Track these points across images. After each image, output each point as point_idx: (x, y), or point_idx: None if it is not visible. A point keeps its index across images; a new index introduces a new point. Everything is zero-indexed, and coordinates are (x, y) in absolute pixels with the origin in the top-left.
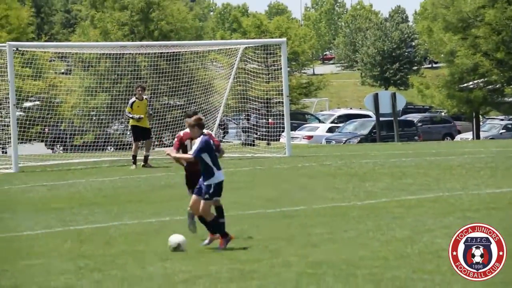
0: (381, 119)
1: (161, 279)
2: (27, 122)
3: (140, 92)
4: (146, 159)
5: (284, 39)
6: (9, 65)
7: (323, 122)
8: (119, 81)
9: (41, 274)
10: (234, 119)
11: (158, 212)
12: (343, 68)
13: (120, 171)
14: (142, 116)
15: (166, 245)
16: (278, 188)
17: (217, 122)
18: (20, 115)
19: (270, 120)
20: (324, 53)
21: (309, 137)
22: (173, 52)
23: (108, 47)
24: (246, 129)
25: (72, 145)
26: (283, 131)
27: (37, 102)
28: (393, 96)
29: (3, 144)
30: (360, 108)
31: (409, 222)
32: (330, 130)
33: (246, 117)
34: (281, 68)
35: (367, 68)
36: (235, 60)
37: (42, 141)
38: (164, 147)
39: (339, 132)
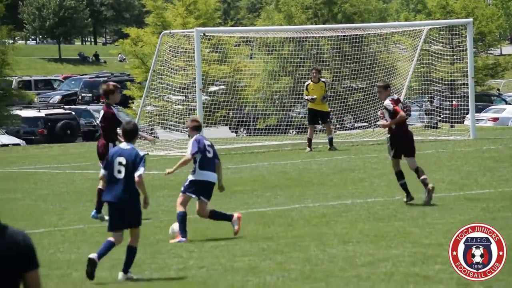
0: None
1: (343, 262)
2: (213, 106)
3: (315, 74)
4: (331, 142)
5: (471, 19)
6: (196, 50)
7: (510, 104)
8: (302, 64)
9: (225, 255)
10: (416, 101)
11: (340, 195)
12: None
13: (302, 154)
14: (315, 96)
15: (347, 228)
16: (461, 171)
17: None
18: (205, 99)
19: (454, 102)
20: None
21: (495, 119)
22: (356, 35)
23: (292, 30)
24: (429, 112)
25: (256, 128)
26: (467, 113)
27: (222, 86)
28: None
29: None
30: None
31: None
32: None
33: (429, 100)
34: (466, 49)
35: None
36: (419, 42)
37: (226, 124)
38: (345, 130)
39: None
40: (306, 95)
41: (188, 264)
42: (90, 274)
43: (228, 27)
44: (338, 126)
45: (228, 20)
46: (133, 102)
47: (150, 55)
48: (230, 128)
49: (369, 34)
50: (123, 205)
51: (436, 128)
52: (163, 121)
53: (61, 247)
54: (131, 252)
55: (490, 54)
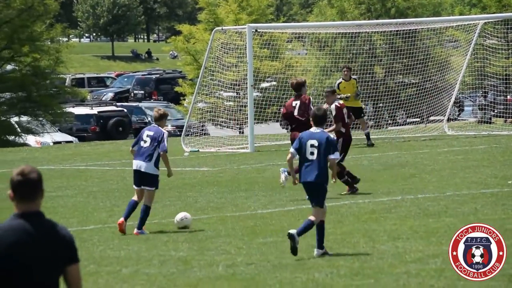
0: None
1: (392, 258)
2: (264, 103)
3: (346, 72)
4: (368, 136)
5: None
6: (248, 47)
7: None
8: (354, 60)
9: (274, 252)
10: (470, 96)
11: (390, 191)
12: None
13: (353, 150)
14: (349, 95)
15: (397, 224)
16: None
17: (453, 99)
18: (257, 95)
19: (508, 97)
20: None
21: None
22: (410, 30)
23: (344, 26)
24: (483, 107)
25: None
26: None
27: (274, 83)
28: None
29: (240, 124)
30: None
31: None
32: None
33: (483, 94)
34: None
35: None
36: (474, 36)
37: (277, 121)
38: (396, 125)
39: None
40: (339, 94)
41: (236, 261)
42: (294, 250)
43: (279, 23)
44: (390, 122)
45: (280, 16)
46: (184, 99)
47: (202, 52)
48: (281, 124)
49: (422, 28)
50: (316, 185)
51: (490, 123)
52: (214, 118)
53: (111, 244)
54: (320, 227)
55: None
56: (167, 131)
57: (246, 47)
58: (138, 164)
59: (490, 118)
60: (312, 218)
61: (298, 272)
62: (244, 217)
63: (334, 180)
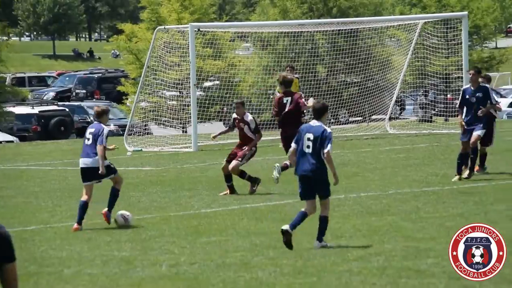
0: None
1: (335, 256)
2: (207, 102)
3: (289, 71)
4: None
5: (466, 12)
6: (191, 46)
7: (505, 97)
8: (297, 59)
9: (217, 251)
10: (411, 95)
11: (333, 189)
12: None
13: None
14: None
15: (340, 223)
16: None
17: (394, 98)
18: (200, 94)
19: (448, 96)
20: (508, 26)
21: None
22: (351, 29)
23: (287, 25)
24: (424, 105)
25: None
26: None
27: (217, 82)
28: None
29: (183, 124)
30: None
31: None
32: None
33: (424, 93)
34: (461, 43)
35: None
36: (414, 36)
37: (220, 120)
38: (339, 124)
39: None
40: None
41: (179, 260)
42: (288, 244)
43: (222, 23)
44: (332, 120)
45: (223, 15)
46: (127, 98)
47: (144, 51)
48: (224, 123)
49: (364, 28)
50: (309, 178)
51: (431, 122)
52: (157, 117)
53: (52, 244)
54: (323, 221)
55: (485, 47)
56: (110, 130)
57: (188, 46)
58: (84, 161)
59: (431, 117)
60: (303, 209)
61: (242, 271)
62: (187, 217)
63: (334, 179)
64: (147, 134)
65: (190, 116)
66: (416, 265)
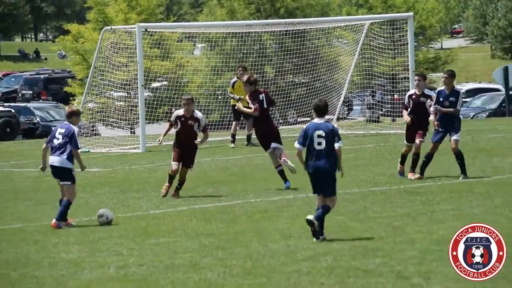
0: (511, 93)
1: (284, 257)
2: (155, 102)
3: (241, 72)
4: (248, 138)
5: (411, 13)
6: (138, 46)
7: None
8: (245, 60)
9: (166, 253)
10: (359, 95)
11: (282, 190)
12: (472, 41)
13: (244, 150)
14: (242, 97)
15: (289, 223)
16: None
17: (342, 99)
18: (148, 95)
19: (395, 96)
20: (453, 26)
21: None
22: (299, 30)
23: (234, 26)
24: (371, 106)
25: None
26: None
27: (165, 82)
28: None
29: (131, 124)
30: (489, 82)
31: None
32: None
33: (371, 94)
34: (407, 43)
35: (497, 40)
36: (361, 36)
37: (168, 120)
38: (288, 125)
39: (467, 106)
40: (231, 93)
41: (128, 262)
42: (317, 235)
43: (170, 23)
44: (281, 121)
45: (170, 15)
46: (74, 99)
47: (91, 51)
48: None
49: (311, 28)
50: (326, 173)
51: (378, 122)
52: (104, 118)
53: None
54: (327, 209)
55: (431, 48)
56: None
57: (136, 46)
58: (52, 159)
59: (378, 117)
60: (328, 203)
61: (191, 272)
62: (136, 218)
63: (341, 173)
64: (95, 135)
65: (138, 117)
66: (364, 265)
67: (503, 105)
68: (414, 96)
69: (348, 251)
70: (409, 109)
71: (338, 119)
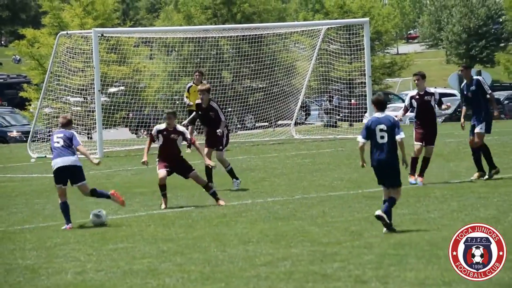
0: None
1: (243, 262)
2: (112, 108)
3: (198, 77)
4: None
5: (367, 18)
6: (95, 51)
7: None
8: (202, 64)
9: (124, 258)
10: (316, 100)
11: (240, 195)
12: (427, 47)
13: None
14: (192, 103)
15: (247, 228)
16: (360, 169)
17: (299, 104)
18: (105, 100)
19: (352, 101)
20: (409, 32)
21: None
22: (256, 35)
23: (191, 31)
24: (329, 111)
25: None
26: (365, 112)
27: (122, 88)
28: (479, 74)
29: (88, 130)
30: (445, 87)
31: (494, 201)
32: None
33: (329, 99)
34: (364, 48)
35: (452, 46)
36: (318, 41)
37: (126, 126)
38: (246, 130)
39: None
40: (186, 97)
41: (86, 268)
42: (388, 226)
43: (126, 28)
44: (238, 126)
45: (127, 20)
46: (30, 104)
47: (47, 56)
48: (130, 129)
49: (268, 34)
50: (390, 164)
51: (335, 127)
52: None
53: None
54: (393, 202)
55: (387, 53)
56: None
57: (92, 51)
58: (64, 160)
59: (336, 122)
60: (393, 195)
61: (149, 278)
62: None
63: (405, 164)
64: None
65: (95, 122)
66: (322, 269)
67: (458, 110)
68: (417, 97)
69: (306, 256)
70: (415, 111)
71: (296, 124)
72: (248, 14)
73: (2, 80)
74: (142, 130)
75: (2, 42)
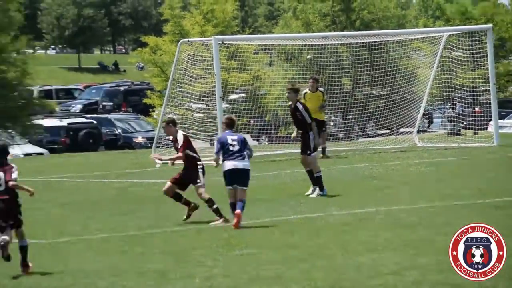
0: None
1: (369, 270)
2: (233, 114)
3: (312, 83)
4: (323, 151)
5: (490, 25)
6: (215, 59)
7: None
8: (322, 72)
9: (251, 264)
10: (438, 108)
11: (363, 202)
12: None
13: (324, 163)
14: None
15: (372, 236)
16: (486, 178)
17: (421, 111)
18: (226, 107)
19: (476, 109)
20: None
21: None
22: (375, 42)
23: (310, 38)
24: (452, 119)
25: (277, 136)
26: (490, 120)
27: (242, 94)
28: None
29: (210, 136)
30: None
31: None
32: None
33: (452, 106)
34: (487, 55)
35: None
36: (439, 48)
37: (248, 132)
38: (367, 137)
39: None
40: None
41: (213, 273)
42: None
43: (246, 35)
44: (360, 133)
45: (246, 28)
46: (153, 111)
47: (169, 63)
48: (251, 136)
49: (388, 41)
50: None
51: (459, 135)
52: (184, 130)
53: (85, 256)
54: None
55: (511, 60)
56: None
57: (213, 59)
58: (235, 163)
59: (460, 130)
60: None
61: (275, 284)
62: (220, 229)
63: None
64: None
65: (217, 129)
66: (451, 279)
67: None
68: None
69: (434, 265)
70: None
71: (418, 131)
72: (367, 21)
73: (126, 87)
74: (263, 137)
75: (126, 50)
